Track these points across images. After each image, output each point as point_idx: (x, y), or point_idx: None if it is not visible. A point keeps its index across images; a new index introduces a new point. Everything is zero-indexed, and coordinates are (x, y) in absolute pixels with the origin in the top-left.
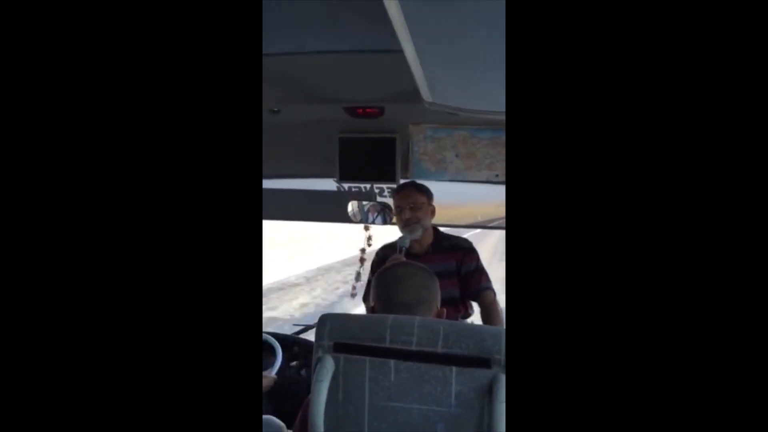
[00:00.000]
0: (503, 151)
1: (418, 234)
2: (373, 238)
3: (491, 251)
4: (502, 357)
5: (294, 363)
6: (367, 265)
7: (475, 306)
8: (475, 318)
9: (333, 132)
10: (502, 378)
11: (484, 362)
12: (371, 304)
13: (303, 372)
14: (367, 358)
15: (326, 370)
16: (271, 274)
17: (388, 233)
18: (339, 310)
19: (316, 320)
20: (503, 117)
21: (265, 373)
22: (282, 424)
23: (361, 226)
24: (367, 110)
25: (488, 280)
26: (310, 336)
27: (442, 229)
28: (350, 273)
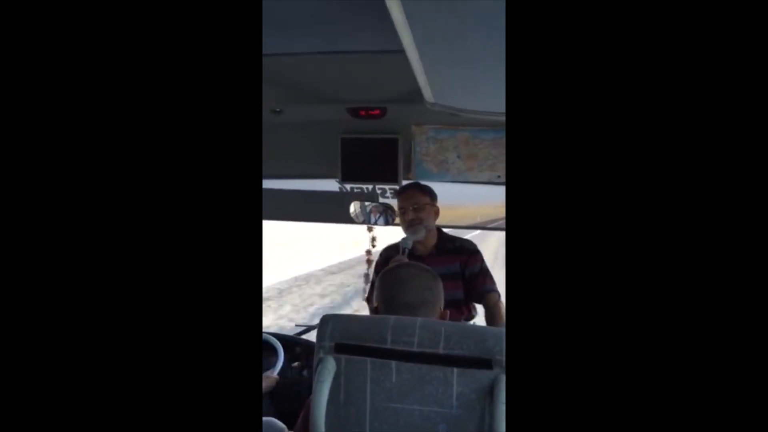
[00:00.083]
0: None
1: (421, 235)
2: (377, 239)
3: (491, 257)
4: (503, 358)
5: (296, 364)
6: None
7: (479, 308)
8: (479, 320)
9: (335, 132)
10: (504, 379)
11: (485, 363)
12: (374, 304)
13: (305, 373)
14: (369, 359)
15: (328, 370)
16: None
17: (393, 234)
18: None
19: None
20: (504, 118)
21: (267, 374)
22: (283, 426)
23: (356, 227)
24: (370, 111)
25: (493, 282)
26: (312, 337)
27: (444, 230)
28: (331, 284)
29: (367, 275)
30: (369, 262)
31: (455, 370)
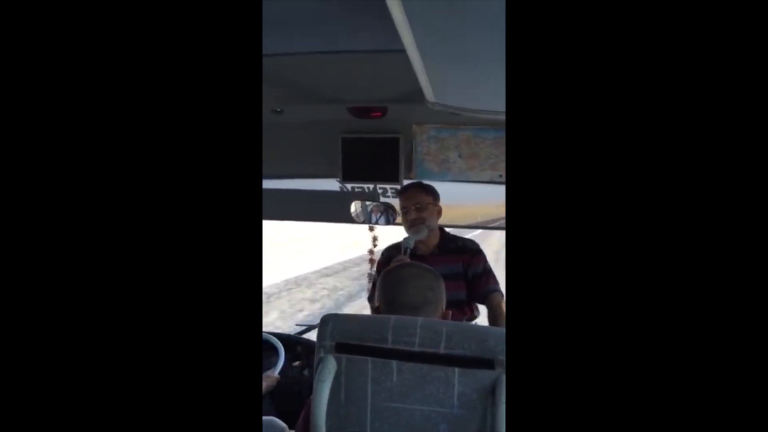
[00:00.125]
0: None
1: (423, 235)
2: (378, 239)
3: (492, 258)
4: (505, 358)
5: (297, 363)
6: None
7: (482, 309)
8: (482, 321)
9: (336, 132)
10: (505, 379)
11: (486, 363)
12: (376, 304)
13: (306, 372)
14: (370, 359)
15: (328, 370)
16: None
17: (394, 234)
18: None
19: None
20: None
21: (268, 373)
22: (284, 425)
23: (356, 227)
24: (371, 110)
25: (496, 283)
26: (313, 336)
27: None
28: (324, 287)
29: (371, 275)
30: (372, 261)
31: (456, 369)
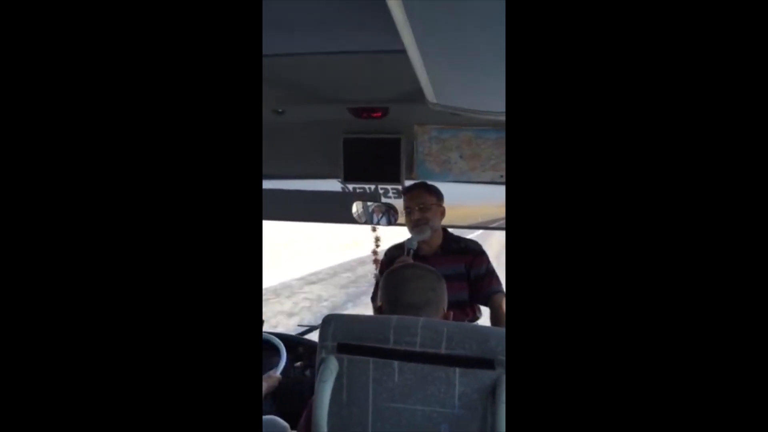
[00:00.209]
0: None
1: (426, 235)
2: (381, 239)
3: (494, 258)
4: (505, 358)
5: (298, 363)
6: None
7: (485, 310)
8: (484, 322)
9: (337, 133)
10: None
11: (487, 363)
12: (378, 304)
13: (307, 372)
14: (371, 359)
15: (330, 370)
16: None
17: (395, 234)
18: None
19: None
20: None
21: (270, 373)
22: (286, 424)
23: (355, 228)
24: (372, 111)
25: (499, 283)
26: (315, 336)
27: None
28: (306, 297)
29: (377, 275)
30: (376, 262)
31: (457, 370)
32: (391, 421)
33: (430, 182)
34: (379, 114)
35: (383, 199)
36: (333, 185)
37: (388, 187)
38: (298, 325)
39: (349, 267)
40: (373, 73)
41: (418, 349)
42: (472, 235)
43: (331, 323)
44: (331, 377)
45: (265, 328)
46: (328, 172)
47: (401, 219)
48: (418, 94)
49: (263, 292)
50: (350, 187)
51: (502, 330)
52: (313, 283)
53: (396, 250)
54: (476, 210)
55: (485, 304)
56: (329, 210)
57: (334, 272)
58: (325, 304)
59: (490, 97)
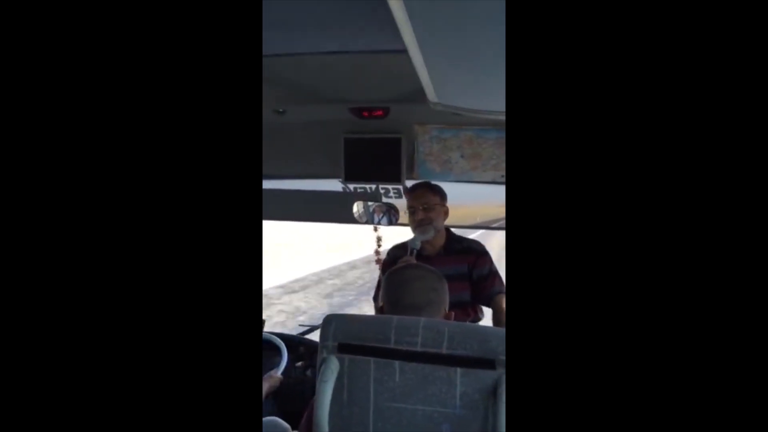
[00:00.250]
0: None
1: (430, 235)
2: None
3: (495, 259)
4: (506, 358)
5: (299, 363)
6: None
7: (486, 311)
8: (486, 323)
9: (338, 132)
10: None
11: (488, 363)
12: (380, 304)
13: (308, 372)
14: (372, 359)
15: (331, 370)
16: None
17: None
18: None
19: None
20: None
21: (271, 373)
22: (287, 425)
23: (353, 229)
24: (373, 111)
25: (501, 284)
26: (316, 336)
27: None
28: (281, 310)
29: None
30: (379, 261)
31: (458, 370)
32: (392, 421)
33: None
34: (380, 114)
35: (384, 199)
36: (334, 185)
37: (389, 186)
38: (299, 325)
39: (338, 272)
40: (373, 73)
41: (419, 349)
42: (474, 235)
43: (332, 323)
44: (332, 377)
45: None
46: (329, 172)
47: (402, 219)
48: (418, 94)
49: None
50: (351, 186)
51: (503, 330)
52: (294, 291)
53: (398, 250)
54: (477, 210)
55: (487, 305)
56: (330, 210)
57: (319, 279)
58: (301, 318)
59: (491, 97)
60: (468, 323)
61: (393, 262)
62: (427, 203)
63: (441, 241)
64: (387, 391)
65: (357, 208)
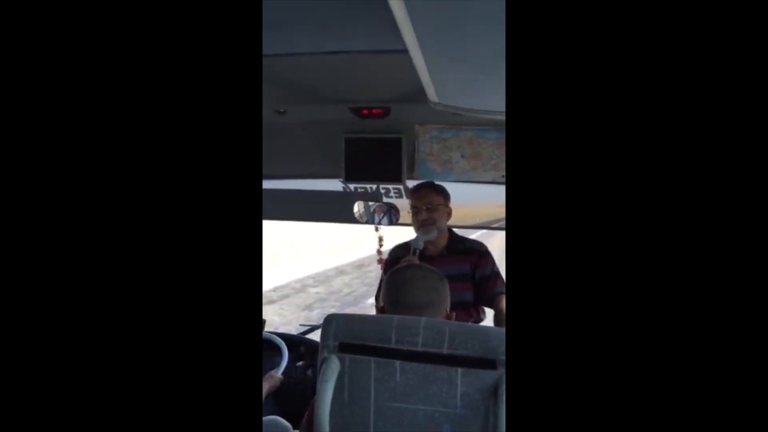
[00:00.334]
0: None
1: (433, 235)
2: (383, 239)
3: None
4: (506, 358)
5: (300, 363)
6: None
7: (488, 311)
8: (488, 323)
9: (339, 132)
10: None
11: (489, 363)
12: (381, 304)
13: (309, 372)
14: (373, 359)
15: (332, 370)
16: None
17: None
18: None
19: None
20: None
21: (272, 373)
22: (288, 424)
23: (350, 230)
24: (373, 111)
25: (503, 284)
26: (317, 336)
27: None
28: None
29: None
30: (381, 261)
31: (459, 370)
32: (393, 421)
33: None
34: (381, 114)
35: (384, 199)
36: (334, 185)
37: (390, 186)
38: (300, 324)
39: (323, 278)
40: (374, 73)
41: (419, 348)
42: (475, 235)
43: (333, 323)
44: (333, 377)
45: None
46: (329, 172)
47: (402, 218)
48: (419, 94)
49: None
50: (351, 186)
51: (504, 330)
52: (272, 302)
53: (401, 250)
54: (477, 210)
55: (489, 305)
56: (330, 210)
57: (302, 286)
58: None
59: (492, 97)
60: (469, 323)
61: (395, 261)
62: (430, 203)
63: (443, 241)
64: (388, 391)
65: (357, 207)
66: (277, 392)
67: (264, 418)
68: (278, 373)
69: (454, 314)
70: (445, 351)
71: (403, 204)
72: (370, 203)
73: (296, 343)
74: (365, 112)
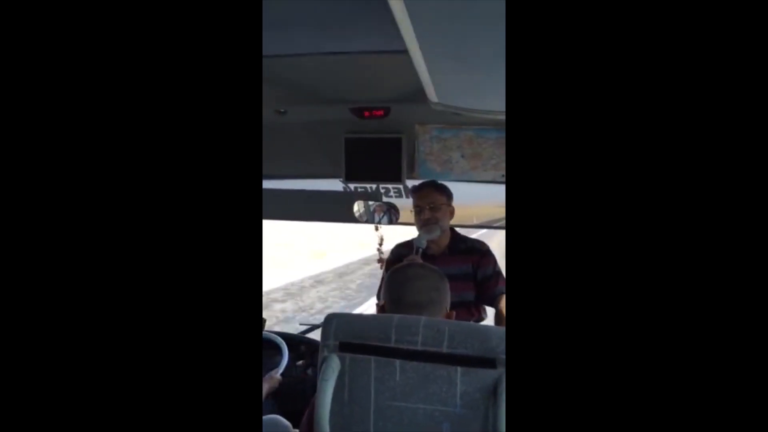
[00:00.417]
0: None
1: (435, 235)
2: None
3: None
4: (506, 357)
5: (300, 362)
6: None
7: (489, 311)
8: (488, 323)
9: (339, 132)
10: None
11: (489, 362)
12: (381, 302)
13: (309, 371)
14: (373, 358)
15: (332, 369)
16: None
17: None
18: None
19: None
20: None
21: (272, 374)
22: (288, 424)
23: (346, 229)
24: (373, 111)
25: (505, 284)
26: (317, 335)
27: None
28: None
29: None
30: (381, 261)
31: (459, 369)
32: (393, 420)
33: None
34: (381, 114)
35: (384, 199)
36: (334, 185)
37: (389, 186)
38: (300, 324)
39: (296, 290)
40: (374, 73)
41: (419, 348)
42: (475, 234)
43: (333, 322)
44: (333, 376)
45: None
46: (329, 172)
47: (403, 218)
48: (419, 94)
49: None
50: (351, 186)
51: (504, 329)
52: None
53: (403, 249)
54: (478, 210)
55: (491, 305)
56: (330, 209)
57: (270, 301)
58: None
59: (491, 97)
60: (469, 323)
61: (397, 260)
62: (433, 203)
63: (446, 240)
64: (388, 390)
65: (357, 207)
66: (277, 391)
67: (264, 418)
68: (278, 372)
69: (454, 313)
70: (444, 350)
71: (403, 203)
72: (370, 203)
73: (296, 342)
74: (365, 112)
